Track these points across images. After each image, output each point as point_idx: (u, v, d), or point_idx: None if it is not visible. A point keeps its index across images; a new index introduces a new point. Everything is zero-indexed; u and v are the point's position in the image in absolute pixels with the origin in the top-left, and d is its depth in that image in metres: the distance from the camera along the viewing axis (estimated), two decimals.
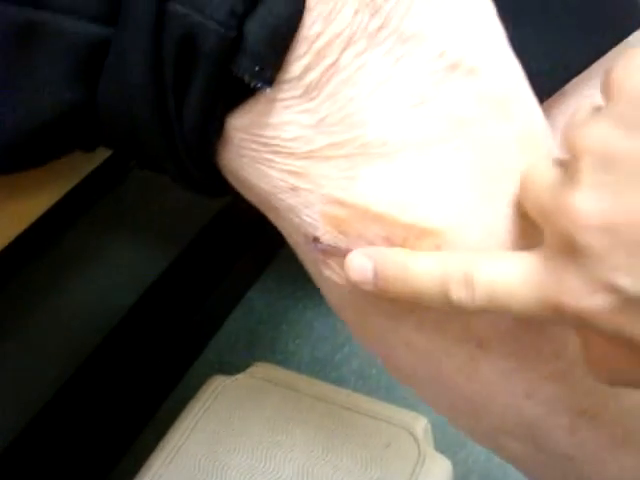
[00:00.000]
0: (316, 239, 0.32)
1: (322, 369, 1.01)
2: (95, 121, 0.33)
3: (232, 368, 0.84)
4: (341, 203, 0.31)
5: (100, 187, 0.82)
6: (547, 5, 0.41)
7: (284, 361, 1.02)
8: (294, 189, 0.31)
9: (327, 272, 0.33)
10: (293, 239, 0.35)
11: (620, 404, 0.34)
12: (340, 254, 0.32)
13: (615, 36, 0.43)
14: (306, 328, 1.06)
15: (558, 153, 0.34)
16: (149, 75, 0.30)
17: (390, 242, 0.31)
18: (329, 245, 0.32)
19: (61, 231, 0.79)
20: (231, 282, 1.09)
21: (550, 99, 0.42)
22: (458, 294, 0.29)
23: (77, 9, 0.30)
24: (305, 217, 0.32)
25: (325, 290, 0.36)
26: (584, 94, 0.43)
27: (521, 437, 0.36)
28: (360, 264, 0.31)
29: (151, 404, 0.95)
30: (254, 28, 0.28)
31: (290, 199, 0.32)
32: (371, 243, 0.31)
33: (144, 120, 0.31)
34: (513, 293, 0.28)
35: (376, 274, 0.30)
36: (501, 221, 0.31)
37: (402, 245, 0.31)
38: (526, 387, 0.33)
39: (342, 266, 0.33)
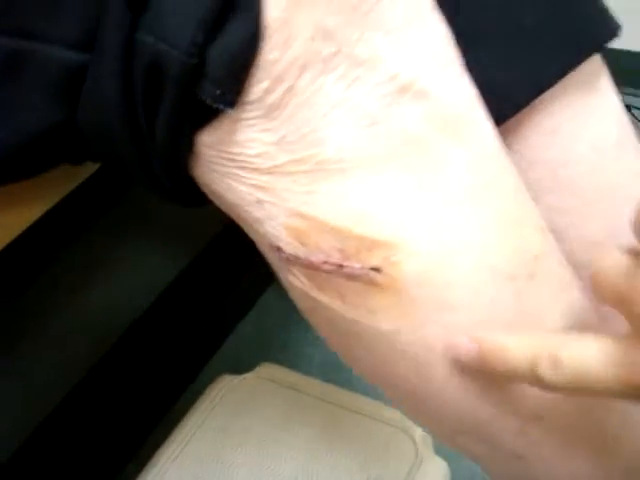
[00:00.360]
0: (279, 249, 0.34)
1: (333, 371, 1.02)
2: (77, 138, 0.36)
3: (245, 368, 0.87)
4: (302, 216, 0.33)
5: (118, 190, 0.85)
6: (517, 19, 0.42)
7: (296, 362, 1.03)
8: (259, 202, 0.34)
9: (291, 278, 0.36)
10: (261, 247, 0.37)
11: (570, 408, 0.36)
12: (300, 263, 0.34)
13: (586, 50, 0.44)
14: None
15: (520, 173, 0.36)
16: (122, 97, 0.32)
17: (344, 253, 0.33)
18: (290, 254, 0.34)
19: (78, 236, 0.81)
20: (247, 284, 1.12)
21: (520, 114, 0.43)
22: (546, 374, 0.32)
23: (59, 38, 0.33)
24: (269, 228, 0.34)
25: (292, 295, 0.38)
26: (555, 110, 0.45)
27: (474, 438, 0.37)
28: (466, 346, 0.34)
29: (165, 403, 0.98)
30: (215, 55, 0.30)
31: (256, 212, 0.34)
32: (327, 254, 0.33)
33: (119, 139, 0.34)
34: (595, 374, 0.31)
35: (479, 353, 0.33)
36: (451, 234, 0.33)
37: (355, 256, 0.33)
38: (477, 389, 0.35)
39: (304, 274, 0.35)
